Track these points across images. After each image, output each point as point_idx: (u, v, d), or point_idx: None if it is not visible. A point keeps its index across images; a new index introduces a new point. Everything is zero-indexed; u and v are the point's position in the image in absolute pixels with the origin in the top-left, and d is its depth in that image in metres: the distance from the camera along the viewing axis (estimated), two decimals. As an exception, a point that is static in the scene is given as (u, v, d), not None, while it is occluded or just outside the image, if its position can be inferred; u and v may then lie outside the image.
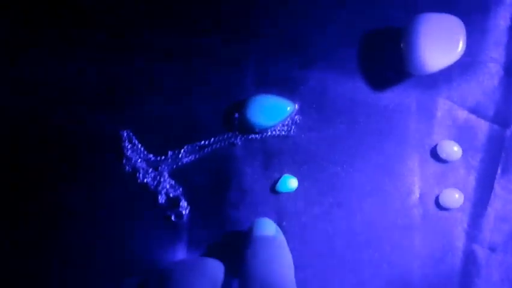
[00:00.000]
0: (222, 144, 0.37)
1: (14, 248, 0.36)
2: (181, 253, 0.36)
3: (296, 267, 0.36)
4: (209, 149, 0.37)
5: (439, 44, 0.34)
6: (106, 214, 0.36)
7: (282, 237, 0.33)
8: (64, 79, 0.37)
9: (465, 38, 0.34)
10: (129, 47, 0.37)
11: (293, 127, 0.36)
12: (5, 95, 0.37)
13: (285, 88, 0.37)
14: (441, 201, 0.36)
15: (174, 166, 0.36)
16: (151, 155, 0.36)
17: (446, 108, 0.36)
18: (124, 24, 0.37)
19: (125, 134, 0.36)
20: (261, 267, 0.29)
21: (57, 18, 0.37)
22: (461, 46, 0.34)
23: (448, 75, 0.37)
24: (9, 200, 0.37)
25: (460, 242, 0.36)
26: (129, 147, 0.36)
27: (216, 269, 0.30)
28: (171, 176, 0.36)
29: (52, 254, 0.36)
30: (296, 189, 0.36)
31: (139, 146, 0.36)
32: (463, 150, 0.36)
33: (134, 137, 0.36)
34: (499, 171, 0.36)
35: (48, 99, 0.37)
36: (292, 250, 0.36)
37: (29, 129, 0.37)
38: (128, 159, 0.36)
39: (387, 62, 0.37)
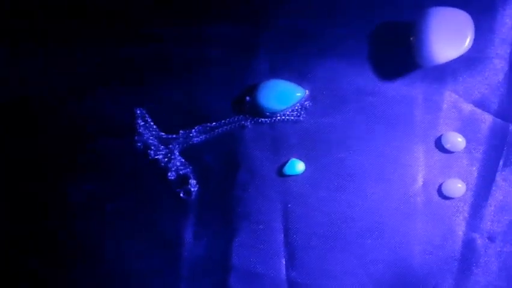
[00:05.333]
0: (232, 126, 0.37)
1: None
2: (188, 230, 0.37)
3: (299, 248, 0.37)
4: (219, 130, 0.37)
5: (448, 36, 0.35)
6: (117, 187, 0.37)
7: None
8: (76, 62, 0.38)
9: (473, 32, 0.35)
10: (143, 33, 0.38)
11: (302, 113, 0.37)
12: (15, 84, 0.38)
13: (296, 75, 0.38)
14: (444, 190, 0.37)
15: (185, 145, 0.37)
16: (162, 133, 0.37)
17: (452, 100, 0.38)
18: (138, 11, 0.38)
19: (138, 112, 0.37)
20: None
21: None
22: (469, 39, 0.35)
23: (454, 69, 0.38)
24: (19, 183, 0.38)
25: (460, 230, 0.37)
26: (142, 124, 0.37)
27: None
28: (182, 154, 0.37)
29: (59, 224, 0.37)
30: (303, 173, 0.37)
31: (152, 123, 0.37)
32: (466, 141, 0.37)
33: (147, 115, 0.37)
34: (501, 163, 0.37)
35: (60, 83, 0.38)
36: (296, 231, 0.37)
37: (47, 114, 0.38)
38: (141, 135, 0.37)
39: (396, 54, 0.38)
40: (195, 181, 0.37)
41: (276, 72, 0.38)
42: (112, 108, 0.37)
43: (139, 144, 0.37)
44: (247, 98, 0.37)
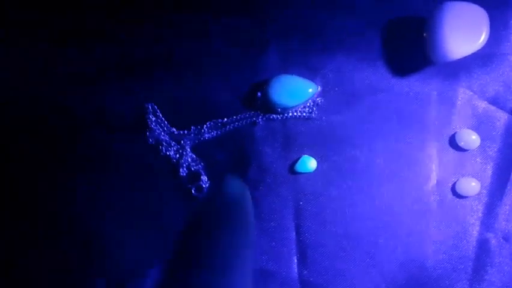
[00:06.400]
0: (244, 122, 0.37)
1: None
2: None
3: (311, 246, 0.36)
4: (231, 126, 0.37)
5: (463, 32, 0.35)
6: (128, 184, 0.36)
7: (247, 194, 0.28)
8: (84, 59, 0.38)
9: (488, 27, 0.35)
10: (154, 26, 0.38)
11: (315, 109, 0.37)
12: (25, 80, 0.38)
13: (308, 71, 0.37)
14: (458, 189, 0.36)
15: (196, 141, 0.37)
16: (174, 129, 0.37)
17: (466, 98, 0.37)
18: (152, 4, 0.38)
19: (150, 107, 0.37)
20: (226, 235, 0.24)
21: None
22: (484, 35, 0.35)
23: (468, 65, 0.37)
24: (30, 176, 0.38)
25: (475, 230, 0.36)
26: (153, 119, 0.37)
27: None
28: (193, 150, 0.37)
29: (71, 221, 0.37)
30: (315, 171, 0.37)
31: (163, 119, 0.37)
32: (481, 139, 0.37)
33: (158, 111, 0.37)
34: (516, 162, 0.37)
35: (67, 79, 0.38)
36: (308, 229, 0.36)
37: (51, 109, 0.38)
38: (152, 131, 0.37)
39: (409, 50, 0.37)
40: (206, 178, 0.36)
41: (288, 67, 0.37)
42: (123, 105, 0.37)
43: (150, 140, 0.37)
44: (259, 93, 0.37)
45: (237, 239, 0.24)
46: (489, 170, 0.37)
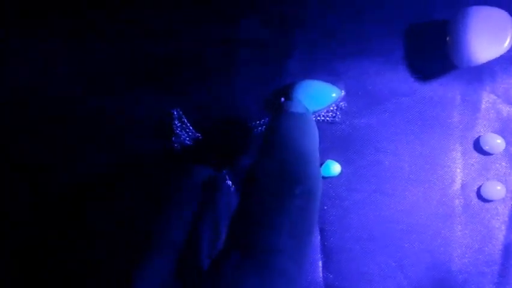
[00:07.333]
0: (267, 127, 0.37)
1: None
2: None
3: (336, 250, 0.36)
4: (254, 131, 0.37)
5: (487, 36, 0.35)
6: (154, 188, 0.37)
7: (311, 115, 0.32)
8: (110, 61, 0.38)
9: (513, 32, 0.35)
10: (177, 32, 0.38)
11: (338, 113, 0.37)
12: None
13: (331, 76, 0.38)
14: (483, 192, 0.36)
15: (221, 146, 0.37)
16: (198, 134, 0.37)
17: (490, 101, 0.37)
18: (172, 10, 0.39)
19: (175, 113, 0.37)
20: (296, 139, 0.29)
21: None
22: (509, 40, 0.35)
23: (492, 69, 0.37)
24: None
25: (500, 233, 0.36)
26: (179, 125, 0.37)
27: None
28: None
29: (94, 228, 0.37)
30: (339, 175, 0.37)
31: (188, 125, 0.37)
32: (505, 143, 0.36)
33: (183, 116, 0.37)
34: (541, 165, 0.37)
35: (95, 82, 0.38)
36: (333, 233, 0.37)
37: (78, 112, 0.38)
38: (177, 136, 0.37)
39: (432, 54, 0.37)
40: (230, 182, 0.37)
41: (311, 72, 0.38)
42: (146, 109, 0.38)
43: (175, 145, 0.37)
44: (282, 99, 0.37)
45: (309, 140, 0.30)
46: (514, 173, 0.37)
